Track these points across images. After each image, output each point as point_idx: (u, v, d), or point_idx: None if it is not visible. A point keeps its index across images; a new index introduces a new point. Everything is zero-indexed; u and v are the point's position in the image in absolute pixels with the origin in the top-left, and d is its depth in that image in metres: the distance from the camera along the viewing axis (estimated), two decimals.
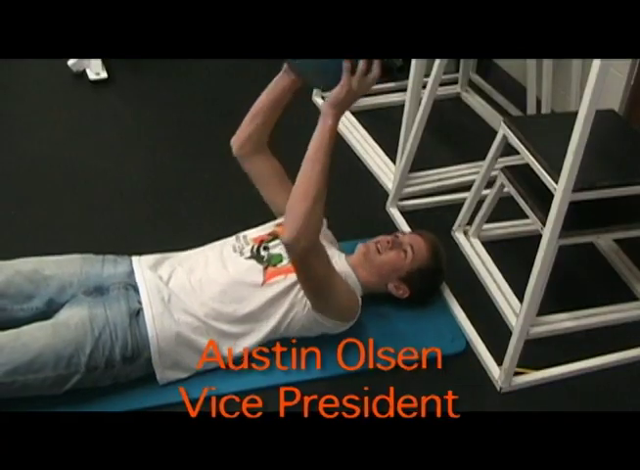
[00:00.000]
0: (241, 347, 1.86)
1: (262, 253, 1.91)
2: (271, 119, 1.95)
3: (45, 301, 1.84)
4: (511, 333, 1.91)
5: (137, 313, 1.78)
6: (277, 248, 1.93)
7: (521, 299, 1.90)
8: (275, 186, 2.03)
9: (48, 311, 1.81)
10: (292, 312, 1.86)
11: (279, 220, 2.04)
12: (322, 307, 1.84)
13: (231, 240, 1.98)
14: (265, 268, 1.87)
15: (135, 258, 1.94)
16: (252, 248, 1.93)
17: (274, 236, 1.96)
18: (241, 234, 2.00)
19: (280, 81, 1.88)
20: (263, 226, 2.04)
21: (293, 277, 1.84)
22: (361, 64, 1.59)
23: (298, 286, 1.84)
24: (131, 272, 1.89)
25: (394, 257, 2.00)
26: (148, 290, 1.82)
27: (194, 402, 1.80)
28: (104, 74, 3.09)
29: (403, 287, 2.02)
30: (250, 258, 1.90)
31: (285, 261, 1.89)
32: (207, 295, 1.82)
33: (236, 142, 2.00)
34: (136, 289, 1.84)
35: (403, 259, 1.99)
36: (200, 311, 1.81)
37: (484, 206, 2.25)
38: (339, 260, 1.99)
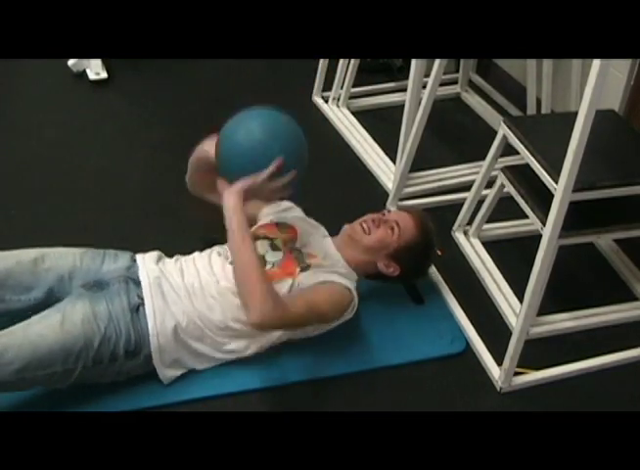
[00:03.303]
0: (235, 353, 1.87)
1: None
2: (209, 179, 1.97)
3: (44, 291, 1.84)
4: (511, 333, 1.91)
5: (137, 308, 1.78)
6: (259, 250, 1.90)
7: (521, 299, 1.90)
8: None
9: (47, 303, 1.81)
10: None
11: (260, 223, 2.06)
12: (318, 324, 1.89)
13: (216, 247, 1.97)
14: None
15: (140, 255, 1.95)
16: None
17: (255, 238, 1.94)
18: None
19: (202, 147, 1.93)
20: None
21: (281, 286, 1.84)
22: (283, 179, 1.73)
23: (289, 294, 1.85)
24: (131, 266, 1.89)
25: (381, 234, 1.97)
26: (150, 283, 1.83)
27: (194, 402, 1.80)
28: (104, 74, 3.09)
29: (393, 265, 1.99)
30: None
31: (268, 266, 1.88)
32: (200, 302, 1.82)
33: (188, 184, 2.06)
34: (136, 282, 1.84)
35: (390, 236, 1.97)
36: (195, 316, 1.81)
37: (484, 206, 2.25)
38: (326, 246, 1.99)
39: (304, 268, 1.88)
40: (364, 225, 1.99)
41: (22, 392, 1.74)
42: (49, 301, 1.82)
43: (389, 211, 2.09)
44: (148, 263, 1.89)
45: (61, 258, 1.89)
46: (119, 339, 1.73)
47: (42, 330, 1.70)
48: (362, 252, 1.98)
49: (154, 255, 1.95)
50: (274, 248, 1.93)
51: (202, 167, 1.96)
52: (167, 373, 1.81)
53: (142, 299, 1.80)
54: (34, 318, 1.74)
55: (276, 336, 1.87)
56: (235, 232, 1.74)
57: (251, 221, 2.02)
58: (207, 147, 1.90)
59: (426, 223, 2.05)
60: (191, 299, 1.82)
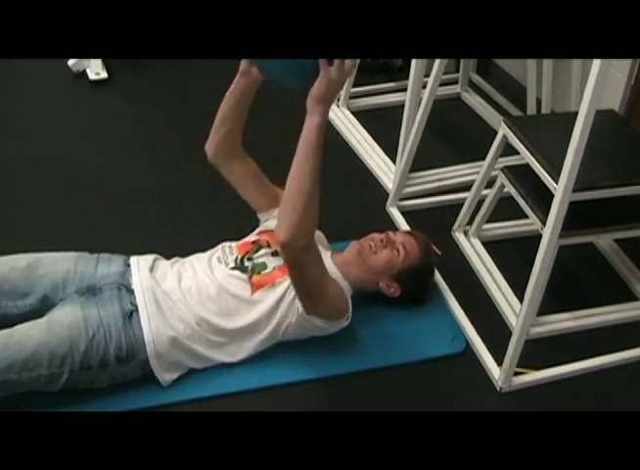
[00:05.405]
0: (233, 355, 1.87)
1: (246, 263, 1.90)
2: (239, 122, 1.96)
3: (39, 298, 1.84)
4: (511, 333, 1.91)
5: (130, 315, 1.77)
6: (261, 258, 1.92)
7: (521, 299, 1.90)
8: (253, 187, 2.05)
9: (42, 309, 1.81)
10: (283, 324, 1.86)
11: (261, 228, 2.06)
12: (314, 310, 1.84)
13: (217, 251, 1.97)
14: (250, 277, 1.87)
15: (134, 259, 1.94)
16: (237, 259, 1.92)
17: (259, 246, 1.96)
18: (226, 244, 1.99)
19: (239, 83, 1.88)
20: (248, 236, 2.04)
21: (280, 287, 1.85)
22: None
23: (287, 296, 1.84)
24: (124, 272, 1.89)
25: (388, 255, 2.00)
26: (143, 291, 1.82)
27: (193, 402, 1.80)
28: (104, 74, 3.10)
29: (395, 285, 2.02)
30: (233, 268, 1.89)
31: (269, 269, 1.89)
32: (197, 304, 1.82)
33: (210, 148, 2.03)
34: (129, 290, 1.83)
35: (396, 258, 2.00)
36: (191, 319, 1.80)
37: (484, 206, 2.25)
38: (325, 258, 1.98)
39: None
40: (371, 244, 2.01)
41: (19, 392, 1.74)
42: (43, 307, 1.82)
43: (395, 233, 2.11)
44: (142, 271, 1.88)
45: (55, 264, 1.88)
46: (109, 345, 1.72)
47: (29, 330, 1.71)
48: (367, 270, 2.00)
49: (149, 259, 1.93)
50: (275, 255, 1.93)
51: (241, 101, 1.91)
52: (166, 376, 1.81)
53: (135, 305, 1.79)
54: (27, 323, 1.74)
55: (263, 337, 1.86)
56: (315, 149, 1.60)
57: None
58: (239, 82, 1.86)
59: (429, 248, 2.09)
60: (186, 301, 1.82)
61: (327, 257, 2.01)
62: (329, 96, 1.57)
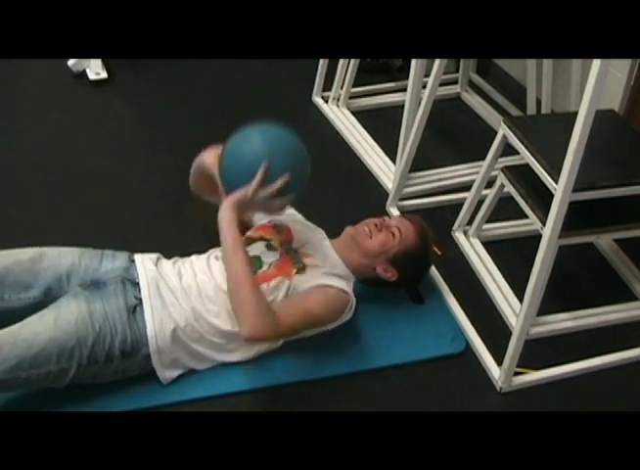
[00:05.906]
0: (235, 356, 1.87)
1: None
2: (208, 179, 2.00)
3: (43, 290, 1.84)
4: (511, 333, 1.91)
5: (134, 309, 1.78)
6: (255, 250, 1.92)
7: (521, 299, 1.90)
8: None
9: (46, 302, 1.81)
10: None
11: (257, 224, 2.08)
12: (316, 329, 1.89)
13: (215, 250, 1.97)
14: None
15: (138, 255, 1.94)
16: None
17: (251, 240, 1.97)
18: None
19: (202, 158, 1.95)
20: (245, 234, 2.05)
21: (275, 288, 1.84)
22: (273, 187, 1.73)
23: (282, 298, 1.85)
24: (129, 268, 1.89)
25: (383, 238, 1.99)
26: (148, 284, 1.83)
27: (193, 402, 1.80)
28: (104, 74, 3.09)
29: (391, 269, 2.00)
30: None
31: (265, 267, 1.88)
32: (199, 304, 1.82)
33: (191, 185, 2.09)
34: (133, 283, 1.84)
35: (392, 241, 1.99)
36: (192, 317, 1.81)
37: (484, 206, 2.25)
38: (323, 248, 2.00)
39: (300, 269, 1.88)
40: (366, 228, 2.01)
41: (20, 391, 1.74)
42: (47, 300, 1.82)
43: (390, 217, 2.10)
44: (146, 264, 1.89)
45: (59, 258, 1.89)
46: (115, 339, 1.73)
47: (36, 327, 1.70)
48: (362, 255, 1.99)
49: (152, 256, 1.94)
50: (270, 248, 1.94)
51: (202, 175, 1.98)
52: (166, 374, 1.82)
53: (139, 299, 1.80)
54: (30, 318, 1.74)
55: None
56: (228, 246, 1.76)
57: (248, 225, 2.06)
58: (207, 158, 1.93)
59: (425, 231, 2.07)
60: (188, 300, 1.82)
61: (328, 246, 2.02)
62: (238, 204, 1.77)
